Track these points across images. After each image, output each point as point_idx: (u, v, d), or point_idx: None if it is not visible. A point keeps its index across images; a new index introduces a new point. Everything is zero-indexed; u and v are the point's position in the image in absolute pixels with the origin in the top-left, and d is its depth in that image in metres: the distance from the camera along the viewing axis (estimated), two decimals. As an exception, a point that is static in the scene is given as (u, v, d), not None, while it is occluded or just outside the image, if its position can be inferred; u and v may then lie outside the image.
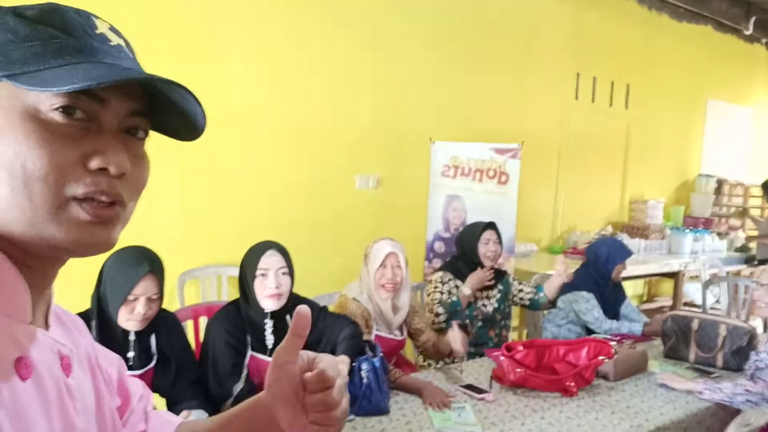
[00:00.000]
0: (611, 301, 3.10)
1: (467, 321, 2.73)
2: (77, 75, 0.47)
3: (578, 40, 5.10)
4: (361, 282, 2.35)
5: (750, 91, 7.22)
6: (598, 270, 3.02)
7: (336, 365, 0.65)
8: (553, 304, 2.89)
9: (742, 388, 2.06)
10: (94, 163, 0.50)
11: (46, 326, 0.57)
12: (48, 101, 0.49)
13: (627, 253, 3.06)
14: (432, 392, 2.00)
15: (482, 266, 2.74)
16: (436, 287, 2.73)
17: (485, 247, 2.73)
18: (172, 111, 0.55)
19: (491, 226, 2.80)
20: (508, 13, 4.59)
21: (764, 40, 7.02)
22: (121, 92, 0.52)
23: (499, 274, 2.86)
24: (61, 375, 0.54)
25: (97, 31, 0.52)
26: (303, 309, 0.62)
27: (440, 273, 2.78)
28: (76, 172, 0.50)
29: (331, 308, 2.35)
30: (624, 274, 4.52)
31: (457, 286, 2.73)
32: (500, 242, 2.81)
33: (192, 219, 3.23)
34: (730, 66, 6.78)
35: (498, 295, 2.83)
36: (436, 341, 2.45)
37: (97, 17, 0.54)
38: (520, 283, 2.92)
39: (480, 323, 2.76)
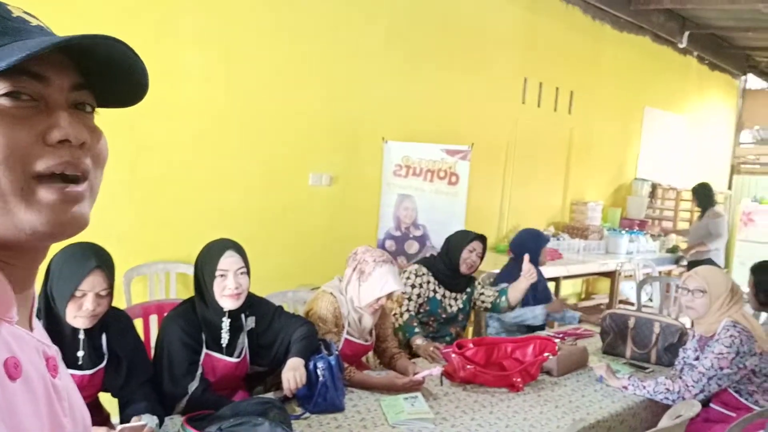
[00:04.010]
0: (541, 286, 3.30)
1: (430, 317, 2.82)
2: (12, 53, 0.47)
3: (527, 47, 5.27)
4: (344, 285, 2.31)
5: (683, 100, 7.64)
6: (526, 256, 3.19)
7: None
8: (512, 308, 3.00)
9: (663, 386, 2.21)
10: (53, 136, 0.50)
11: (30, 328, 0.56)
12: None
13: (544, 237, 3.33)
14: (400, 382, 2.08)
15: (459, 269, 2.82)
16: (408, 278, 2.80)
17: (468, 254, 2.83)
18: (112, 76, 0.55)
19: (482, 239, 2.89)
20: (460, 19, 4.69)
21: (696, 53, 7.44)
22: (58, 67, 0.52)
23: (470, 280, 2.97)
24: (47, 375, 0.54)
25: (14, 15, 0.52)
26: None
27: (416, 266, 2.87)
28: (37, 150, 0.50)
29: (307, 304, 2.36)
30: (565, 273, 4.77)
31: (429, 281, 2.82)
32: (482, 257, 2.90)
33: (140, 213, 3.14)
34: (666, 76, 7.15)
35: (464, 297, 2.93)
36: (394, 355, 2.42)
37: (8, 4, 0.54)
38: (482, 287, 3.01)
39: (442, 320, 2.85)
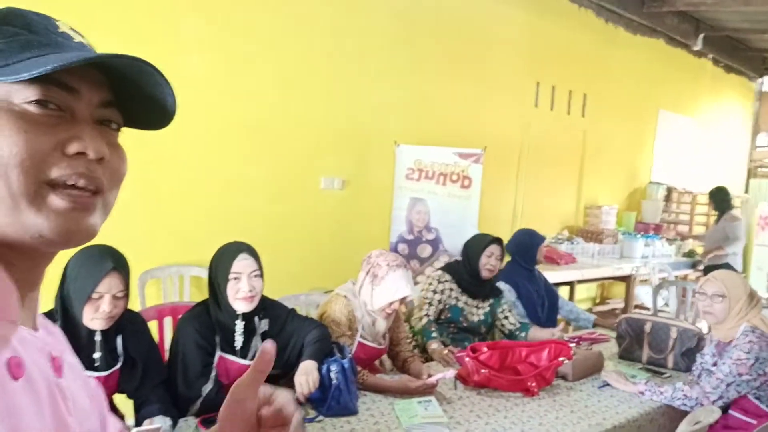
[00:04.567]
0: (541, 282, 3.30)
1: (451, 324, 2.81)
2: (48, 63, 0.48)
3: (539, 50, 5.24)
4: (357, 288, 2.31)
5: (698, 103, 7.57)
6: (524, 257, 3.21)
7: (293, 402, 0.63)
8: None
9: (681, 392, 2.17)
10: (72, 148, 0.51)
11: (35, 329, 0.56)
12: (21, 94, 0.49)
13: (540, 235, 3.33)
14: (413, 385, 2.07)
15: (480, 275, 2.81)
16: (431, 284, 2.80)
17: (486, 260, 2.81)
18: (140, 99, 0.56)
19: (498, 241, 2.88)
20: (472, 22, 4.68)
21: (711, 56, 7.36)
22: (90, 82, 0.53)
23: (494, 291, 2.94)
24: (52, 376, 0.54)
25: (59, 30, 0.54)
26: (268, 346, 0.59)
27: (440, 272, 2.87)
28: (54, 158, 0.50)
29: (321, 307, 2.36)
30: (579, 277, 4.74)
31: (452, 289, 2.81)
32: (502, 259, 2.89)
33: (153, 217, 3.17)
34: (680, 78, 7.09)
35: (487, 309, 2.89)
36: (408, 359, 2.41)
37: (57, 19, 0.55)
38: (509, 310, 2.95)
39: (463, 327, 2.82)
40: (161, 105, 0.58)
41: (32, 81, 0.49)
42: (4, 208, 0.49)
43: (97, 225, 0.55)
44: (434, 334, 2.68)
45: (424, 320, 2.72)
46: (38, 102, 0.50)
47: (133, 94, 0.56)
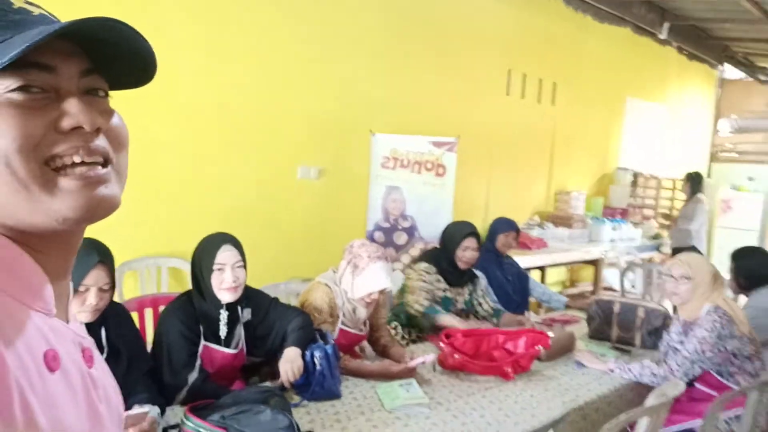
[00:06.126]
0: (514, 269, 3.42)
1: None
2: (14, 47, 0.47)
3: (510, 39, 5.32)
4: (338, 277, 2.35)
5: (664, 90, 7.76)
6: (492, 243, 3.35)
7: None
8: None
9: (648, 369, 2.29)
10: (65, 124, 0.51)
11: (66, 320, 0.58)
12: (1, 85, 0.49)
13: (509, 224, 3.39)
14: (395, 369, 2.13)
15: (457, 266, 2.88)
16: (420, 276, 2.85)
17: (462, 252, 2.88)
18: (120, 58, 0.55)
19: (473, 233, 2.92)
20: (445, 12, 4.72)
21: (676, 44, 7.54)
22: (64, 55, 0.52)
23: (472, 276, 3.01)
24: (84, 366, 0.56)
25: (15, 6, 0.52)
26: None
27: (425, 264, 2.90)
28: (50, 138, 0.50)
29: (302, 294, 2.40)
30: (550, 261, 4.86)
31: (438, 280, 2.87)
32: (479, 249, 2.93)
33: (130, 209, 3.12)
34: (647, 66, 7.25)
35: (467, 296, 2.98)
36: (387, 344, 2.46)
37: None
38: (483, 296, 3.03)
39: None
40: (141, 58, 0.56)
41: (7, 69, 0.48)
42: (21, 198, 0.50)
43: (116, 194, 0.55)
44: (438, 308, 2.75)
45: (425, 303, 2.76)
46: (20, 88, 0.49)
47: (111, 55, 0.54)
